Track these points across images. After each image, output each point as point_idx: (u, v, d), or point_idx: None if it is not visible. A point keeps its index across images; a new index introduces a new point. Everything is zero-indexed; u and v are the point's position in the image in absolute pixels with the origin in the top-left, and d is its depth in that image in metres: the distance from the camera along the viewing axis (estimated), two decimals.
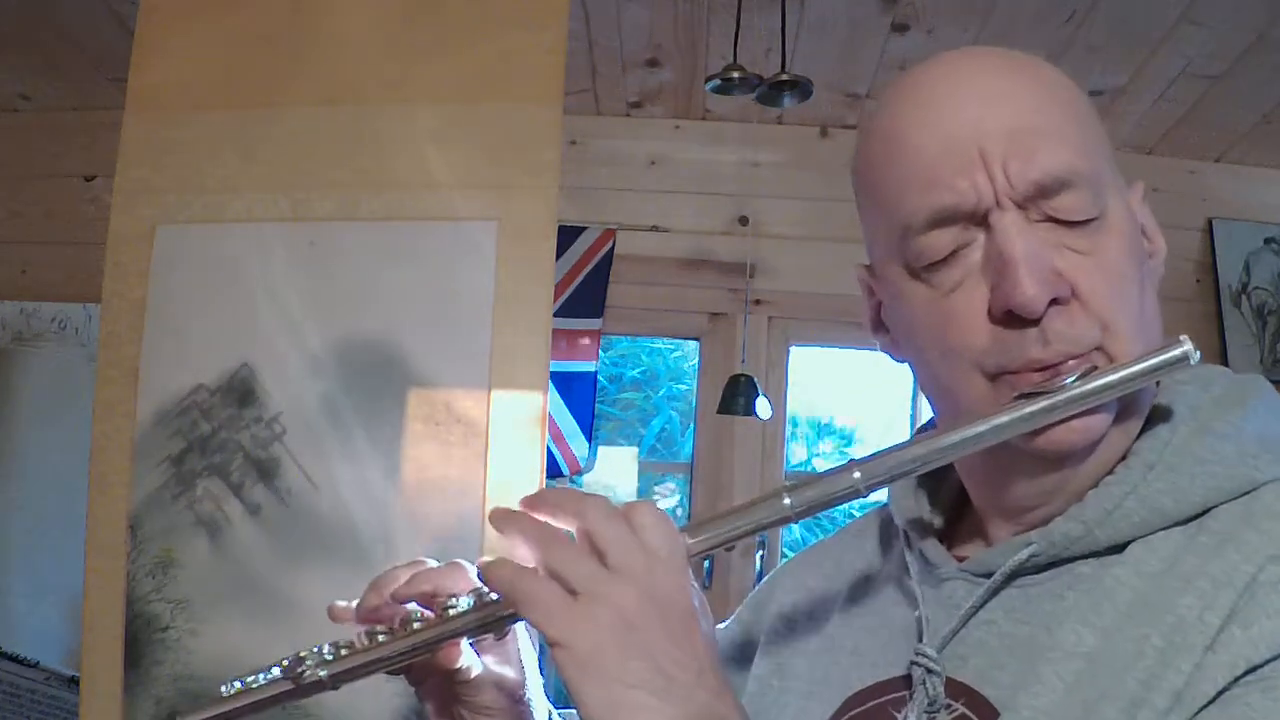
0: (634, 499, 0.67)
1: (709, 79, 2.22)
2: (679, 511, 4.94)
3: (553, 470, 2.84)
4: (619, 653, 0.58)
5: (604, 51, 2.70)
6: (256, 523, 1.30)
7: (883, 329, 0.78)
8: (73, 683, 2.08)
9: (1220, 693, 0.58)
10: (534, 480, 1.32)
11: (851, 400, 6.29)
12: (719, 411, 2.78)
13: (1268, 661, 0.57)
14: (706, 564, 2.90)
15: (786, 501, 0.66)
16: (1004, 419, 0.65)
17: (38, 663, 2.10)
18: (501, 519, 0.66)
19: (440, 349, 1.34)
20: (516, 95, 1.40)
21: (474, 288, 1.35)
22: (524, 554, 0.65)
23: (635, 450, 5.89)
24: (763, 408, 2.73)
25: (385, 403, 1.32)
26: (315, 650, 0.72)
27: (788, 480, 0.68)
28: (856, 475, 0.66)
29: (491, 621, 0.69)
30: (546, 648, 0.63)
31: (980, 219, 0.66)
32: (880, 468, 0.67)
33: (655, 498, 5.95)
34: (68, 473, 2.73)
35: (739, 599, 0.95)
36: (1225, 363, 2.94)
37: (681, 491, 5.61)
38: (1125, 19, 2.39)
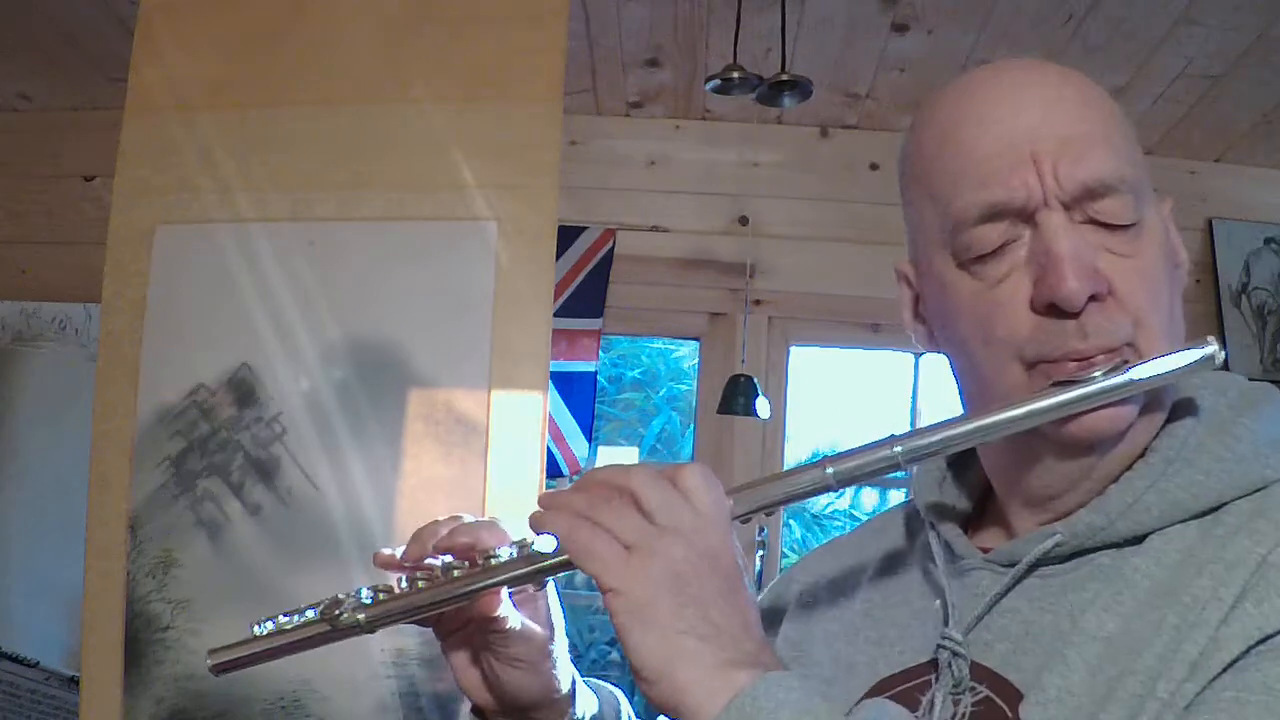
0: (687, 462, 0.70)
1: (709, 79, 2.22)
2: None
3: (553, 470, 2.84)
4: (671, 601, 0.61)
5: (604, 51, 2.70)
6: (256, 523, 1.30)
7: (920, 321, 0.81)
8: (73, 683, 2.08)
9: (1234, 661, 0.60)
10: (534, 480, 1.32)
11: (851, 402, 6.29)
12: (719, 411, 2.78)
13: (1277, 633, 0.60)
14: None
15: (829, 471, 0.69)
16: (1041, 404, 0.69)
17: (38, 663, 2.10)
18: (549, 498, 0.68)
19: (440, 349, 1.34)
20: (516, 95, 1.40)
21: (474, 288, 1.35)
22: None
23: (635, 450, 5.89)
24: (762, 408, 2.73)
25: (385, 403, 1.32)
26: (353, 594, 0.73)
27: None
28: (897, 449, 0.69)
29: (533, 572, 0.70)
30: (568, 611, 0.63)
31: (1028, 216, 0.70)
32: (920, 442, 0.70)
33: None
34: (68, 473, 2.72)
35: None
36: (1225, 363, 2.93)
37: None
38: (1125, 19, 2.39)
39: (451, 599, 0.73)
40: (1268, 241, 3.03)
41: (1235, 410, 0.74)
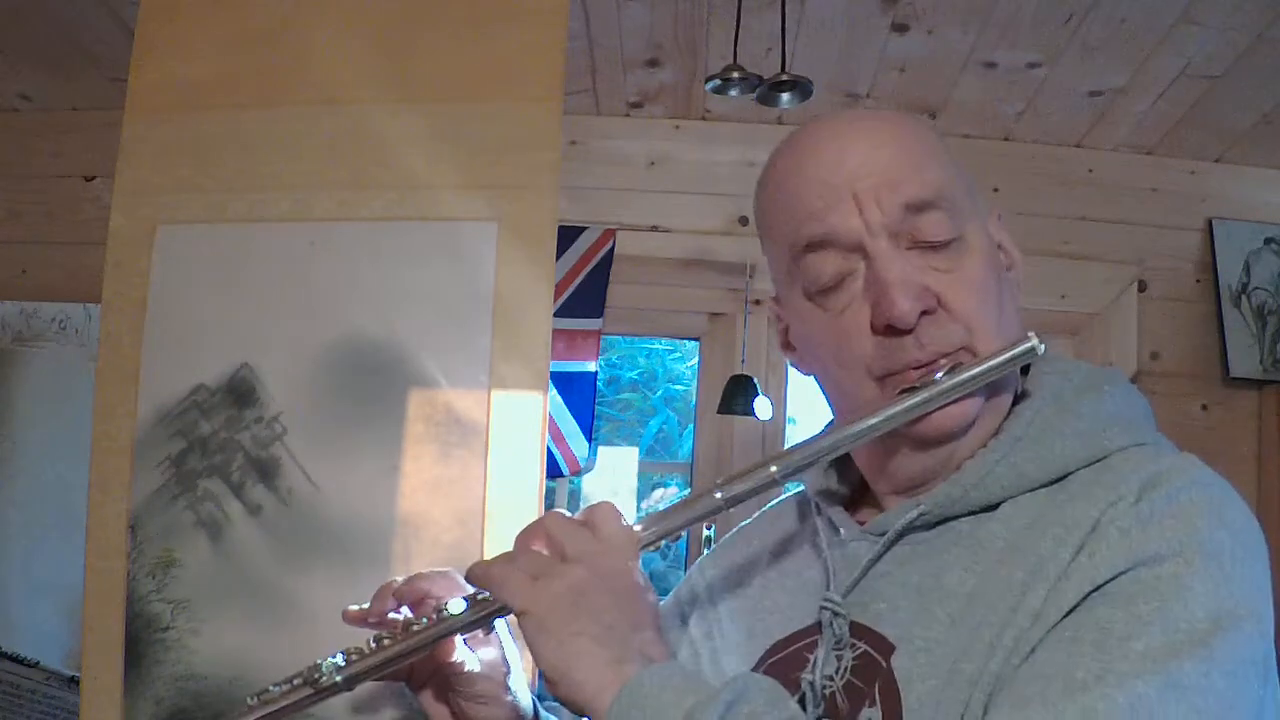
0: (599, 501, 0.82)
1: (709, 79, 2.22)
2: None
3: (553, 470, 2.84)
4: (569, 613, 0.71)
5: (604, 51, 2.70)
6: (257, 523, 1.30)
7: (791, 348, 0.92)
8: (73, 683, 2.08)
9: (1073, 608, 0.70)
10: (534, 480, 1.32)
11: None
12: (719, 411, 2.78)
13: (1108, 580, 0.69)
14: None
15: (718, 495, 0.80)
16: (892, 411, 0.79)
17: (38, 663, 2.10)
18: (476, 564, 0.79)
19: (440, 349, 1.34)
20: (516, 95, 1.39)
21: (474, 288, 1.34)
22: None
23: (635, 450, 5.89)
24: (762, 408, 2.73)
25: (385, 403, 1.32)
26: (330, 658, 0.84)
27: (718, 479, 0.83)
28: (773, 469, 0.81)
29: (479, 618, 0.82)
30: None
31: (859, 248, 0.80)
32: (792, 461, 0.81)
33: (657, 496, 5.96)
34: (67, 473, 2.73)
35: None
36: (1225, 363, 2.94)
37: (681, 491, 5.61)
38: (1125, 19, 2.39)
39: (413, 650, 0.83)
40: (1268, 241, 3.03)
41: (1079, 392, 0.83)
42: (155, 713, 1.26)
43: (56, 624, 2.66)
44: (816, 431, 0.84)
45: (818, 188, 0.82)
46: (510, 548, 0.81)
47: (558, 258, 1.41)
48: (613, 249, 2.99)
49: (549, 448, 2.02)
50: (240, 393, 1.34)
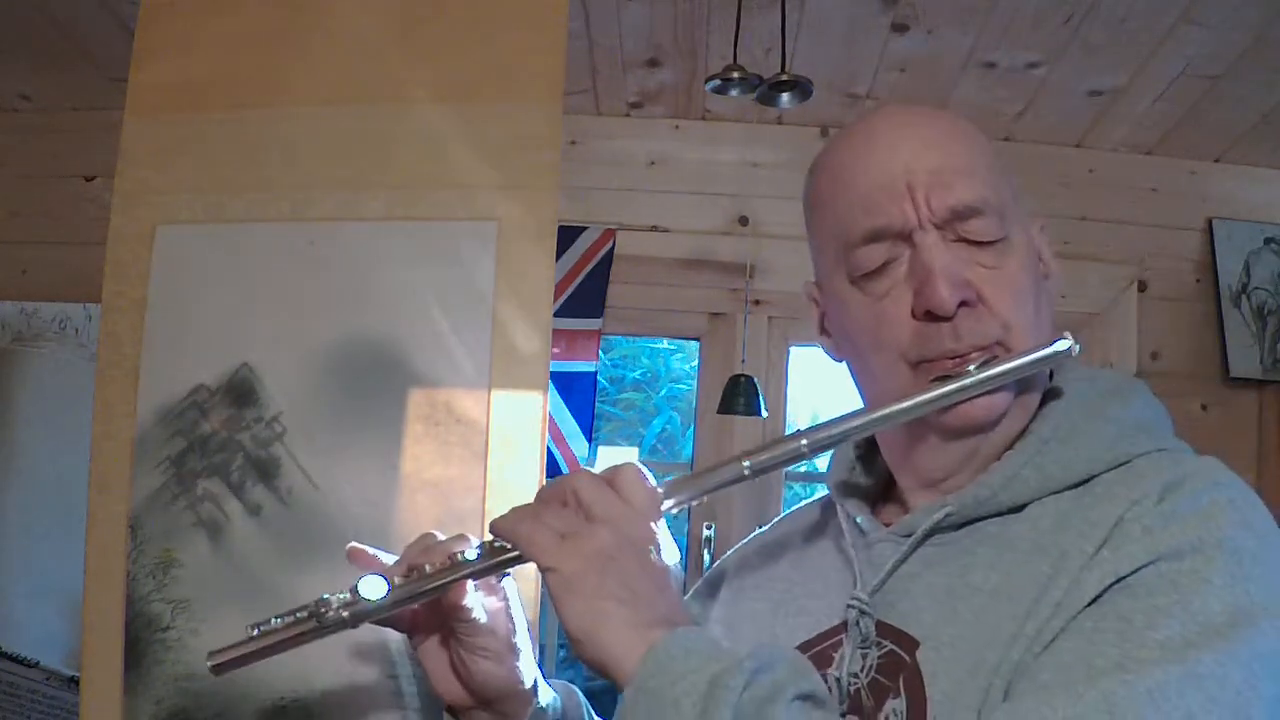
0: (623, 463, 0.81)
1: (709, 79, 2.22)
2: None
3: (553, 470, 2.84)
4: (597, 575, 0.71)
5: (604, 51, 2.70)
6: (257, 523, 1.30)
7: (826, 334, 0.96)
8: (73, 683, 2.08)
9: (1095, 599, 0.71)
10: (534, 480, 1.32)
11: (850, 401, 6.29)
12: (719, 411, 2.78)
13: (1130, 573, 0.71)
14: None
15: (745, 464, 0.81)
16: (924, 397, 0.81)
17: (38, 663, 2.10)
18: (501, 518, 0.78)
19: (440, 349, 1.34)
20: (516, 95, 1.39)
21: (474, 288, 1.35)
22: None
23: (635, 450, 5.89)
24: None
25: (385, 403, 1.32)
26: (339, 594, 0.84)
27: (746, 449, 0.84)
28: (804, 442, 0.81)
29: (492, 565, 0.81)
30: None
31: (907, 237, 0.83)
32: (822, 434, 0.82)
33: None
34: (68, 473, 2.73)
35: None
36: (1225, 363, 2.94)
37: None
38: (1124, 19, 2.39)
39: (425, 592, 0.83)
40: (1268, 241, 3.03)
41: (1105, 397, 0.85)
42: (155, 713, 1.26)
43: (57, 624, 2.67)
44: (847, 412, 0.84)
45: (875, 181, 0.84)
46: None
47: (558, 258, 1.41)
48: (613, 249, 2.99)
49: (549, 448, 2.02)
50: (240, 393, 1.34)
